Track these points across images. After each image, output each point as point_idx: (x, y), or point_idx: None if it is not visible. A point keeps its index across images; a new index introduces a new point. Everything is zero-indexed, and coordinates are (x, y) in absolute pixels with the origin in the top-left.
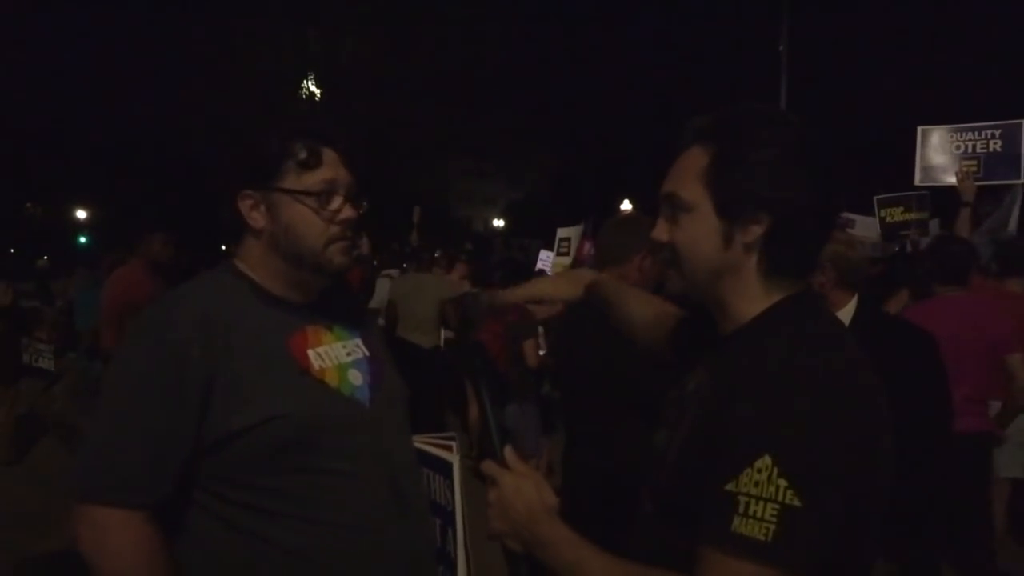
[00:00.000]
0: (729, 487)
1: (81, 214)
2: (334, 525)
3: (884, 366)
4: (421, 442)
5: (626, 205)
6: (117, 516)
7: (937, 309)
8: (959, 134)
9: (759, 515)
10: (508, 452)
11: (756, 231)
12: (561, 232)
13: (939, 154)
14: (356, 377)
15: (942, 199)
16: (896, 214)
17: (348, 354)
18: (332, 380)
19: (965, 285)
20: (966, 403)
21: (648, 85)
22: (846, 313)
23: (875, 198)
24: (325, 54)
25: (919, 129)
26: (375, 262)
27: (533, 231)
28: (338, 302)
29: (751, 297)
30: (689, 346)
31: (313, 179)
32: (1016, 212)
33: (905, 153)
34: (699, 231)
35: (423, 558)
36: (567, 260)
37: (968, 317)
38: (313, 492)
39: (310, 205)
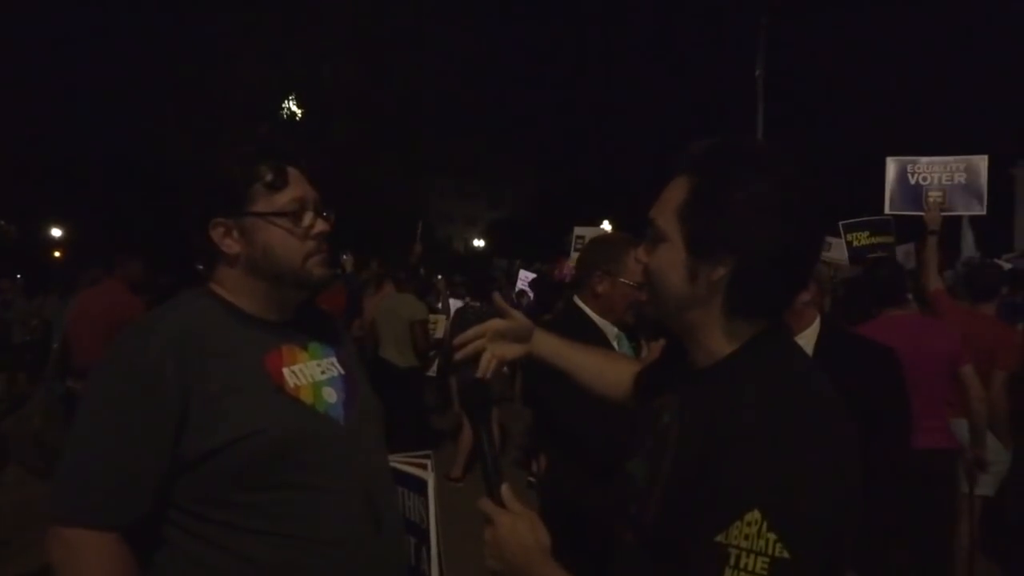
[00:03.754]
0: (719, 539)
1: (56, 232)
2: (311, 541)
3: (847, 382)
4: (396, 461)
5: (605, 225)
6: (90, 538)
7: (884, 328)
8: (926, 166)
9: (750, 568)
10: (505, 491)
11: (720, 272)
12: (577, 231)
13: (906, 184)
14: (330, 395)
15: (915, 226)
16: (862, 238)
17: (323, 372)
18: (307, 397)
19: (901, 305)
20: (918, 419)
21: (629, 108)
22: (813, 331)
23: (840, 223)
24: (306, 75)
25: (888, 160)
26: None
27: (515, 251)
28: (313, 321)
29: (718, 333)
30: (654, 382)
31: (283, 199)
32: (971, 237)
33: (879, 178)
34: (669, 262)
35: (397, 574)
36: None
37: (915, 335)
38: (290, 508)
39: (283, 225)
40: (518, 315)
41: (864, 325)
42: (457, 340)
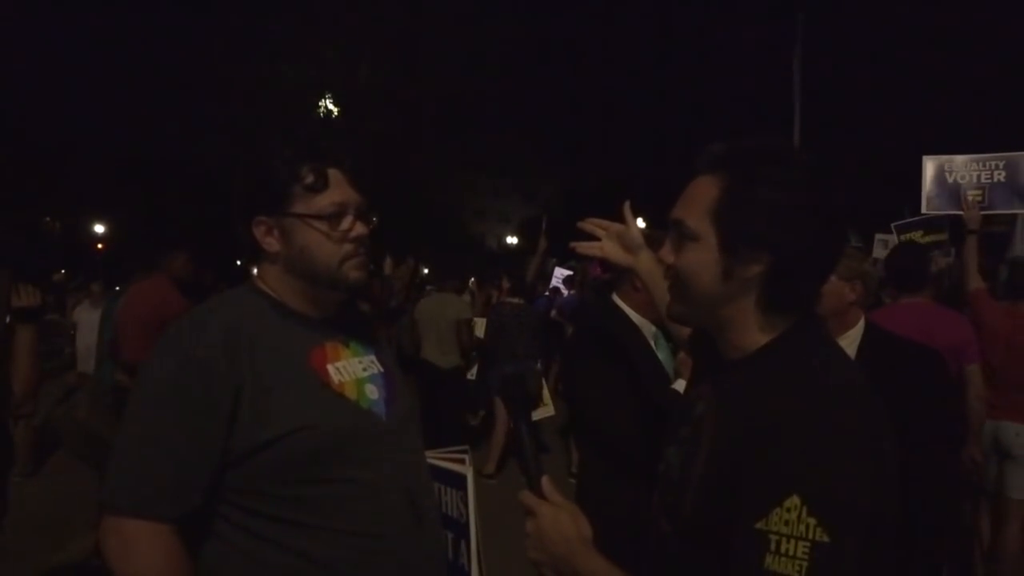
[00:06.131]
0: (759, 525)
1: (99, 228)
2: (355, 534)
3: (892, 386)
4: (434, 457)
5: (639, 223)
6: (145, 528)
7: (895, 315)
8: (964, 164)
9: (791, 553)
10: (545, 483)
11: (755, 269)
12: None
13: (944, 184)
14: (372, 391)
15: (954, 226)
16: (918, 238)
17: (364, 369)
18: (351, 394)
19: (919, 292)
20: None
21: (663, 105)
22: (856, 332)
23: (893, 225)
24: (343, 74)
25: (924, 159)
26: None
27: (549, 248)
28: (352, 319)
29: (749, 328)
30: (699, 356)
31: (322, 202)
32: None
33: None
34: (701, 261)
35: (436, 570)
36: None
37: (925, 323)
38: (335, 502)
39: (320, 228)
40: (635, 229)
41: (877, 312)
42: (586, 221)
